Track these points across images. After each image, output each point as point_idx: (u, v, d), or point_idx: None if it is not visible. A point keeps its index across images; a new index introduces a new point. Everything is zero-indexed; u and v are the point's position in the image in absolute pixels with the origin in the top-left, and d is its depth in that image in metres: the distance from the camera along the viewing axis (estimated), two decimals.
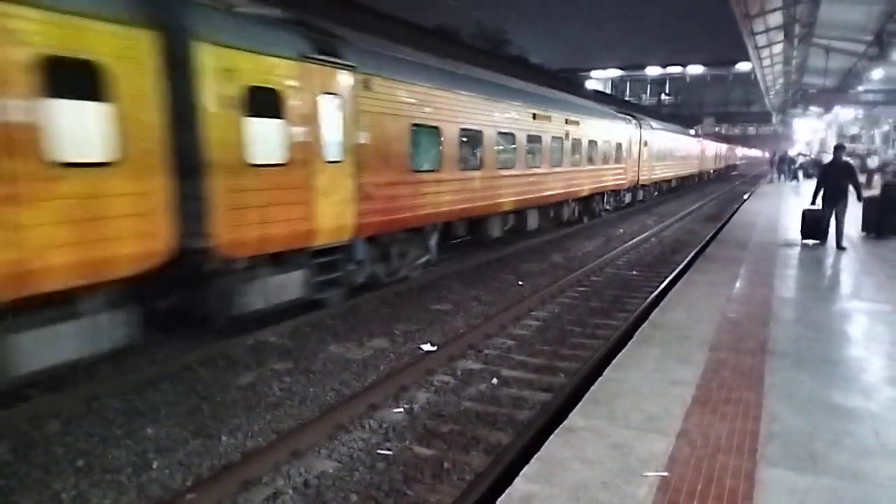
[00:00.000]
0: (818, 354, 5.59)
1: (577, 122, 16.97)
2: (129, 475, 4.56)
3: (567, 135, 16.27)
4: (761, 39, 27.10)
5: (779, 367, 5.24)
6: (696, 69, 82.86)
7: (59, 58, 4.97)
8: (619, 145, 21.07)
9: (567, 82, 36.90)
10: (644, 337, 6.07)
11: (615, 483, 3.41)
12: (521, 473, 3.52)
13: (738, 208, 21.33)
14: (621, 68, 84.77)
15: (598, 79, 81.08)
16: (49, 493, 4.33)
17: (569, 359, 7.10)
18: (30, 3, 4.76)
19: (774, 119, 66.19)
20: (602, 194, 20.58)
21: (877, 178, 24.78)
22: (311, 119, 7.56)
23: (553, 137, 15.30)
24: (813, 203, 11.90)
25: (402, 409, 5.72)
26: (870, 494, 3.32)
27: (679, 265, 12.08)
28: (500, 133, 12.58)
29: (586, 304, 9.69)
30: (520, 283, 11.04)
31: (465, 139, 11.27)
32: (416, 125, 9.73)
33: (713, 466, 3.61)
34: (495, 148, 12.40)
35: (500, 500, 3.27)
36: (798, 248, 11.58)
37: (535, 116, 14.20)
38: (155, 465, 4.69)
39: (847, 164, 11.96)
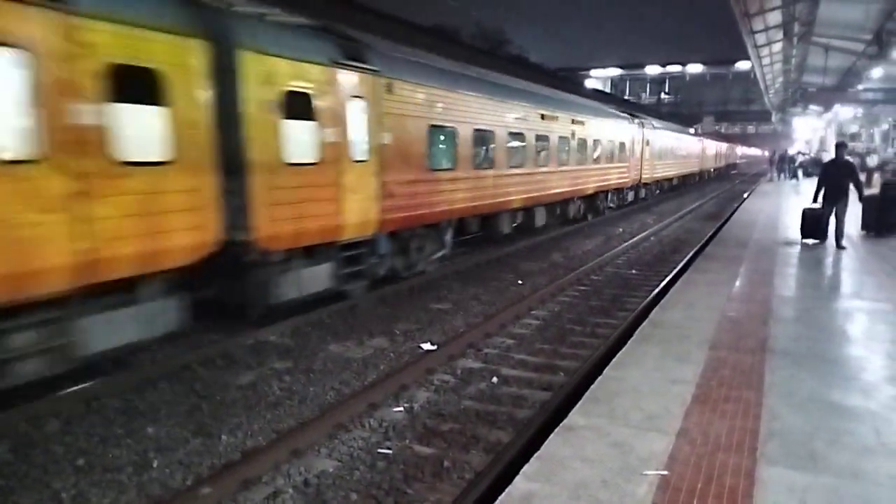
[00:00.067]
0: (818, 353, 5.59)
1: (582, 122, 17.30)
2: (130, 474, 4.56)
3: (573, 134, 16.63)
4: (760, 38, 27.07)
5: (779, 365, 5.23)
6: (695, 68, 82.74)
7: (125, 66, 5.50)
8: (622, 145, 21.35)
9: (567, 81, 36.89)
10: (644, 336, 6.06)
11: (615, 481, 3.41)
12: (521, 472, 3.51)
13: (737, 207, 21.32)
14: (621, 67, 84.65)
15: (598, 78, 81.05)
16: (49, 493, 4.33)
17: (569, 357, 7.10)
18: (102, 18, 5.29)
19: (774, 118, 66.10)
20: (606, 192, 20.91)
21: (876, 177, 24.77)
22: (340, 121, 8.08)
23: (560, 137, 15.70)
24: (815, 201, 11.87)
25: (402, 408, 5.72)
26: (870, 493, 3.32)
27: (679, 264, 12.07)
28: (511, 133, 13.05)
29: (586, 302, 9.69)
30: (520, 282, 11.04)
31: (478, 139, 11.74)
32: (433, 126, 10.26)
33: (713, 465, 3.60)
34: (506, 147, 12.84)
35: (500, 498, 3.26)
36: (798, 247, 11.58)
37: (543, 117, 14.61)
38: (155, 465, 4.69)
39: (849, 162, 11.94)
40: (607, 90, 69.64)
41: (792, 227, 13.48)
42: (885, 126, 37.00)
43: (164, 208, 5.90)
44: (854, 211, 11.97)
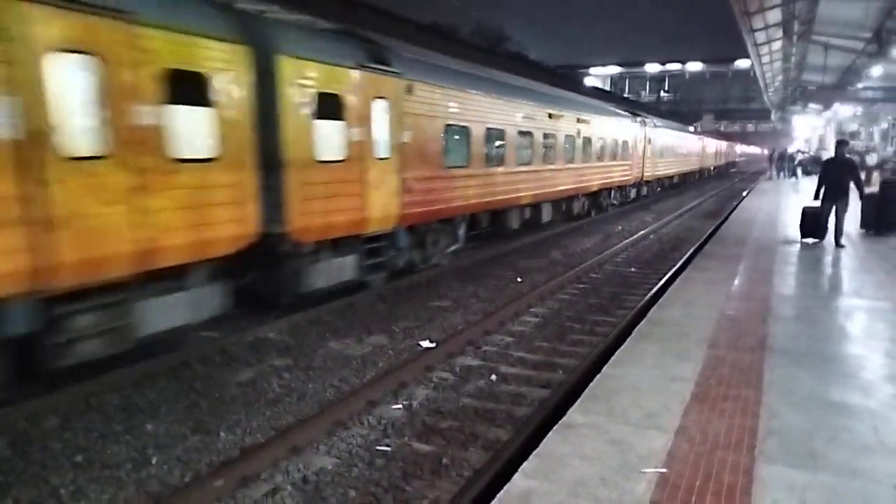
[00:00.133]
0: (817, 351, 5.59)
1: (587, 121, 17.69)
2: (128, 471, 4.56)
3: (578, 133, 17.08)
4: (760, 36, 27.04)
5: (778, 363, 5.24)
6: (695, 66, 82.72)
7: (179, 71, 5.95)
8: (624, 143, 21.71)
9: (567, 79, 36.85)
10: (643, 334, 6.07)
11: (614, 479, 3.41)
12: (519, 470, 3.51)
13: (737, 205, 21.33)
14: (620, 65, 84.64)
15: (598, 76, 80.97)
16: (48, 489, 4.33)
17: (567, 355, 7.10)
18: (161, 27, 5.72)
19: (773, 116, 66.13)
20: (609, 190, 21.27)
21: (876, 176, 24.77)
22: (365, 121, 8.53)
23: (566, 136, 16.14)
24: (816, 199, 11.84)
25: (400, 406, 5.72)
26: (868, 491, 3.33)
27: (678, 262, 12.08)
28: (520, 132, 13.50)
29: (585, 300, 9.69)
30: (519, 279, 11.04)
31: (490, 138, 12.19)
32: (449, 125, 10.73)
33: (712, 463, 3.61)
34: (516, 146, 13.29)
35: (498, 496, 3.27)
36: (797, 246, 11.57)
37: (550, 116, 15.01)
38: (154, 461, 4.69)
39: (849, 160, 11.90)
40: (607, 88, 69.55)
41: (791, 225, 13.48)
42: (885, 125, 36.99)
43: (210, 202, 6.37)
44: (853, 209, 11.97)
